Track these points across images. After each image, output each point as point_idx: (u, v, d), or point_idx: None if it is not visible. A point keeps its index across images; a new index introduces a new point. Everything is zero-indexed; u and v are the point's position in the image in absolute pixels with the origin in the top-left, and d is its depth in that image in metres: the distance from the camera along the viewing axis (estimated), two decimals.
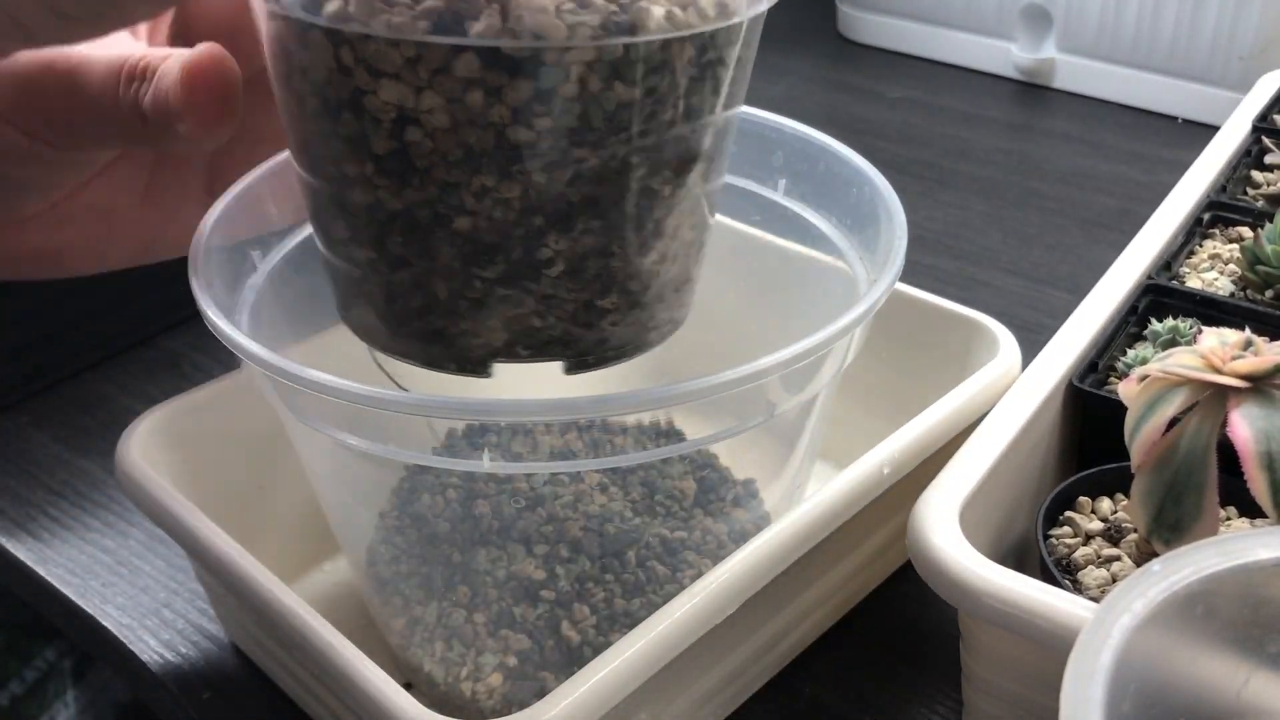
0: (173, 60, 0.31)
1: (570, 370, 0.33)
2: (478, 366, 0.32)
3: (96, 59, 0.32)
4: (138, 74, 0.32)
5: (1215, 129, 0.60)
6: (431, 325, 0.31)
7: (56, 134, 0.33)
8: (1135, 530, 0.37)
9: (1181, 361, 0.34)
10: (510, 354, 0.32)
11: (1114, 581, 0.36)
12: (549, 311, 0.31)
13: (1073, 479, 0.39)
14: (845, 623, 0.44)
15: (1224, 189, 0.55)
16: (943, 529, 0.34)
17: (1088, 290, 0.46)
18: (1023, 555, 0.41)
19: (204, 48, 0.31)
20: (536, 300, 0.30)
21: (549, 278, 0.30)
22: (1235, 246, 0.51)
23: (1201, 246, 0.51)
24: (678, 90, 0.28)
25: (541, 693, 0.32)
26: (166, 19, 0.36)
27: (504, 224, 0.29)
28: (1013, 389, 0.41)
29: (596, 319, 0.32)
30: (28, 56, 0.32)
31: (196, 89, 0.31)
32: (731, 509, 0.42)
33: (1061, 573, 0.36)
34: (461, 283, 0.30)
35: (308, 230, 0.41)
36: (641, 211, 0.30)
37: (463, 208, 0.28)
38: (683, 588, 0.34)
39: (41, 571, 0.48)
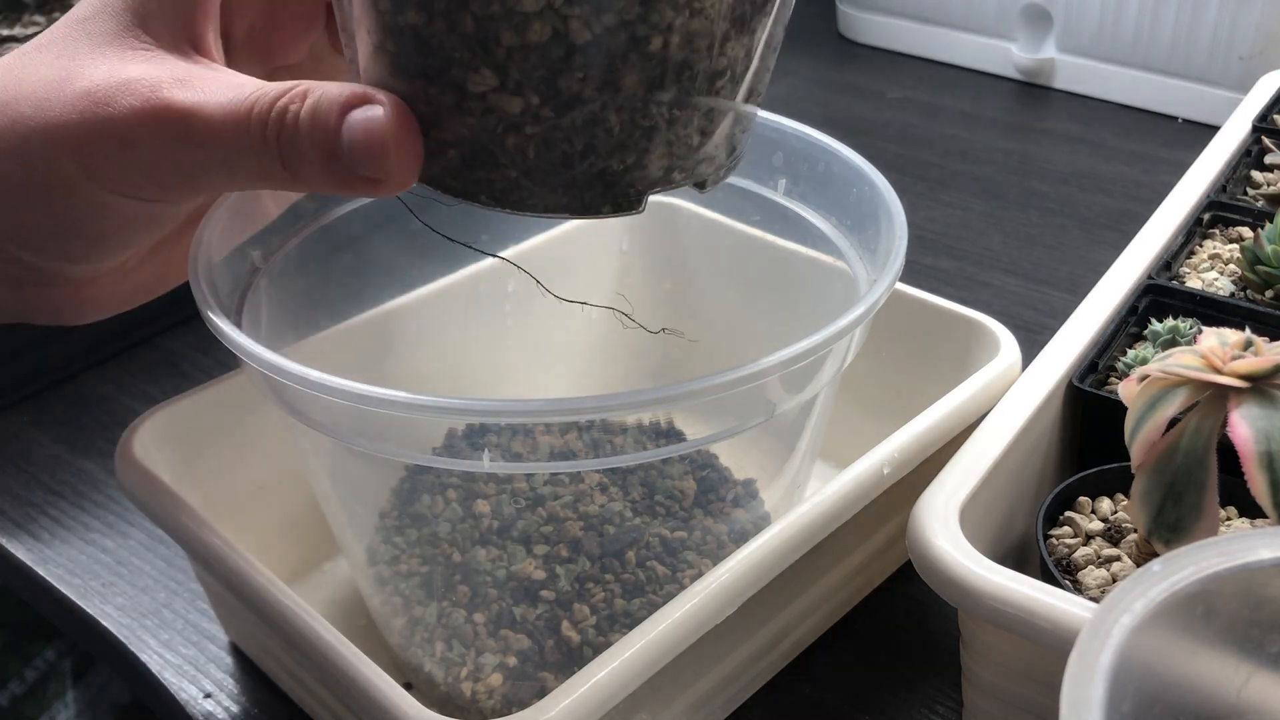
0: (371, 111, 0.28)
1: (708, 188, 0.31)
2: (635, 202, 0.30)
3: (210, 102, 0.29)
4: (273, 114, 0.29)
5: (1215, 129, 0.60)
6: (593, 167, 0.29)
7: (159, 185, 0.31)
8: (1135, 530, 0.37)
9: (1181, 361, 0.34)
10: (668, 181, 0.30)
11: (1114, 581, 0.36)
12: (711, 126, 0.30)
13: (1073, 479, 0.39)
14: (845, 623, 0.44)
15: (1224, 189, 0.55)
16: (943, 529, 0.34)
17: (1088, 290, 0.46)
18: (1023, 555, 0.41)
19: (395, 105, 0.28)
20: (703, 117, 0.29)
21: (721, 89, 0.29)
22: (1235, 246, 0.51)
23: (1201, 246, 0.51)
24: None
25: (541, 693, 0.32)
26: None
27: (696, 36, 0.28)
28: (1013, 389, 0.41)
29: (742, 129, 0.31)
30: (126, 108, 0.29)
31: (403, 154, 0.29)
32: (731, 509, 0.42)
33: (1061, 573, 0.36)
34: (640, 112, 0.28)
35: (308, 230, 0.41)
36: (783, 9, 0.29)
37: (660, 25, 0.27)
38: (683, 588, 0.34)
39: (41, 571, 0.48)
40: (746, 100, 0.31)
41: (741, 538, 0.38)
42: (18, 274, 0.33)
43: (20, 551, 0.49)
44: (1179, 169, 0.56)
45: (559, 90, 0.28)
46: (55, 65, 0.31)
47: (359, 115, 0.28)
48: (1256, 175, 0.57)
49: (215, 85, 0.30)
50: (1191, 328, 0.44)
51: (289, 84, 0.29)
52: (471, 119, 0.29)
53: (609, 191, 0.30)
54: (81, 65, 0.30)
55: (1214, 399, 0.34)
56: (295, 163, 0.29)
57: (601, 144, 0.29)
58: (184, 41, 0.32)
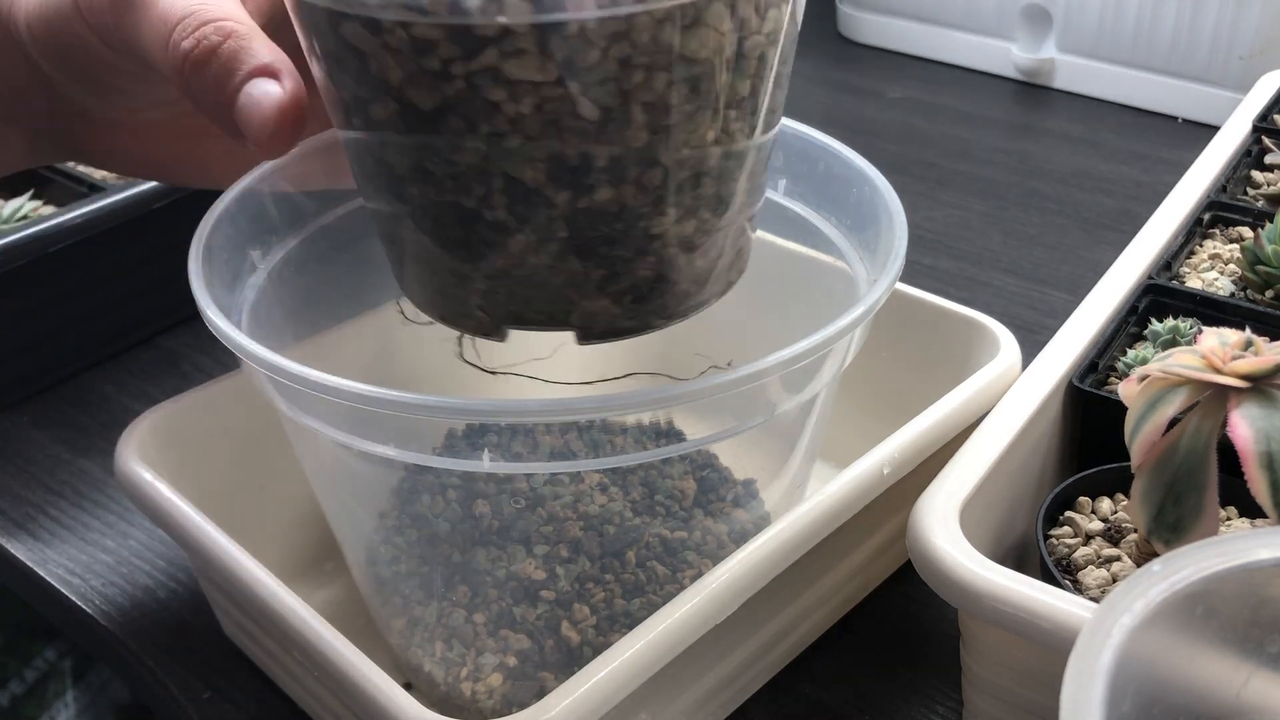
0: (259, 86, 0.32)
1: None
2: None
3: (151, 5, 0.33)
4: (190, 38, 0.32)
5: (1215, 129, 0.60)
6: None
7: (141, 54, 0.34)
8: (1135, 530, 0.37)
9: (1181, 361, 0.34)
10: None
11: (1114, 581, 0.36)
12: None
13: (1073, 479, 0.39)
14: (845, 623, 0.44)
15: (1224, 189, 0.55)
16: (943, 529, 0.34)
17: (1088, 290, 0.46)
18: (1023, 555, 0.41)
19: (293, 91, 0.32)
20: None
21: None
22: (1235, 246, 0.51)
23: (1202, 246, 0.51)
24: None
25: (541, 693, 0.32)
26: None
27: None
28: (1013, 389, 0.41)
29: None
30: None
31: (280, 135, 0.32)
32: (731, 509, 0.42)
33: (1061, 573, 0.36)
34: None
35: (308, 230, 0.41)
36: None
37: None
38: (683, 588, 0.34)
39: (41, 571, 0.48)
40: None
41: (741, 538, 0.38)
42: (57, 105, 0.39)
43: (20, 551, 0.49)
44: (1179, 169, 0.56)
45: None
46: None
47: (262, 86, 0.32)
48: (1257, 175, 0.57)
49: None
50: (1191, 328, 0.44)
51: (223, 15, 0.32)
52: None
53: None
54: None
55: (1214, 399, 0.34)
56: (192, 85, 0.32)
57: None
58: None
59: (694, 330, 0.54)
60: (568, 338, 0.32)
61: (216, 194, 0.38)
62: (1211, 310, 0.45)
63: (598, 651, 0.33)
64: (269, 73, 0.32)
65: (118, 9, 0.33)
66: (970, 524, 0.35)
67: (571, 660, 0.37)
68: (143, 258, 0.59)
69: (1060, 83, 0.88)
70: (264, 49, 0.32)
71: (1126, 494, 0.37)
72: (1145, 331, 0.45)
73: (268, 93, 0.32)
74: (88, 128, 0.40)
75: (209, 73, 0.32)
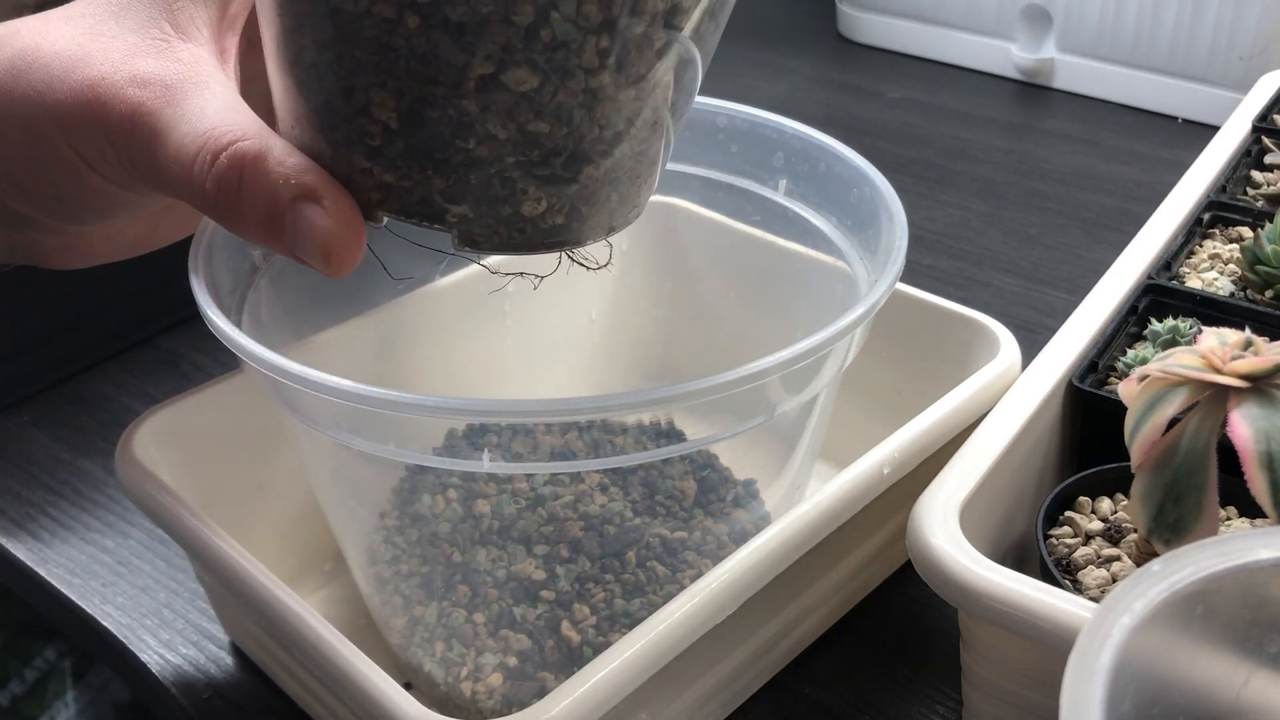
0: (316, 214, 0.29)
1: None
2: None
3: (177, 129, 0.30)
4: (213, 171, 0.29)
5: (1215, 129, 0.60)
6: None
7: (142, 183, 0.32)
8: (1135, 530, 0.37)
9: (1181, 361, 0.34)
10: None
11: (1114, 581, 0.36)
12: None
13: (1073, 479, 0.39)
14: (845, 623, 0.44)
15: (1224, 189, 0.55)
16: (943, 529, 0.34)
17: (1088, 290, 0.46)
18: (1023, 555, 0.41)
19: (336, 208, 0.29)
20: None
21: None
22: (1235, 246, 0.51)
23: (1201, 246, 0.51)
24: None
25: (541, 693, 0.32)
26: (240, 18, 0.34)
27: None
28: (1013, 389, 0.41)
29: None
30: (118, 112, 0.30)
31: (347, 256, 0.29)
32: (731, 509, 0.42)
33: (1061, 573, 0.36)
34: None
35: None
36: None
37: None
38: (683, 588, 0.34)
39: (41, 571, 0.48)
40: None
41: (742, 538, 0.38)
42: (15, 221, 0.35)
43: (20, 551, 0.49)
44: (1179, 169, 0.56)
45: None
46: (74, 42, 0.32)
47: (305, 214, 0.29)
48: (1256, 175, 0.57)
49: (195, 104, 0.30)
50: (1191, 328, 0.44)
51: (234, 135, 0.29)
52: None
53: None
54: (98, 49, 0.31)
55: (1214, 399, 0.34)
56: (232, 223, 0.30)
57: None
58: (203, 32, 0.32)
59: (694, 330, 0.54)
60: None
61: None
62: (1211, 310, 0.45)
63: (598, 651, 0.33)
64: (304, 195, 0.29)
65: (135, 147, 0.30)
66: (970, 524, 0.35)
67: (571, 660, 0.37)
68: (143, 258, 0.59)
69: (1060, 83, 0.88)
70: (285, 162, 0.29)
71: (1126, 494, 0.37)
72: (1145, 331, 0.45)
73: (313, 222, 0.29)
74: (43, 236, 0.37)
75: (243, 210, 0.29)
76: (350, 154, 0.29)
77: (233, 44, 0.33)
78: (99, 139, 0.31)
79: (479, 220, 0.29)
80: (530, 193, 0.29)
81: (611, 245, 0.35)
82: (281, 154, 0.29)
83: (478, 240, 0.30)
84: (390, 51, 0.27)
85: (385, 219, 0.30)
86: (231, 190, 0.29)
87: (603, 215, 0.31)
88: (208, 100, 0.30)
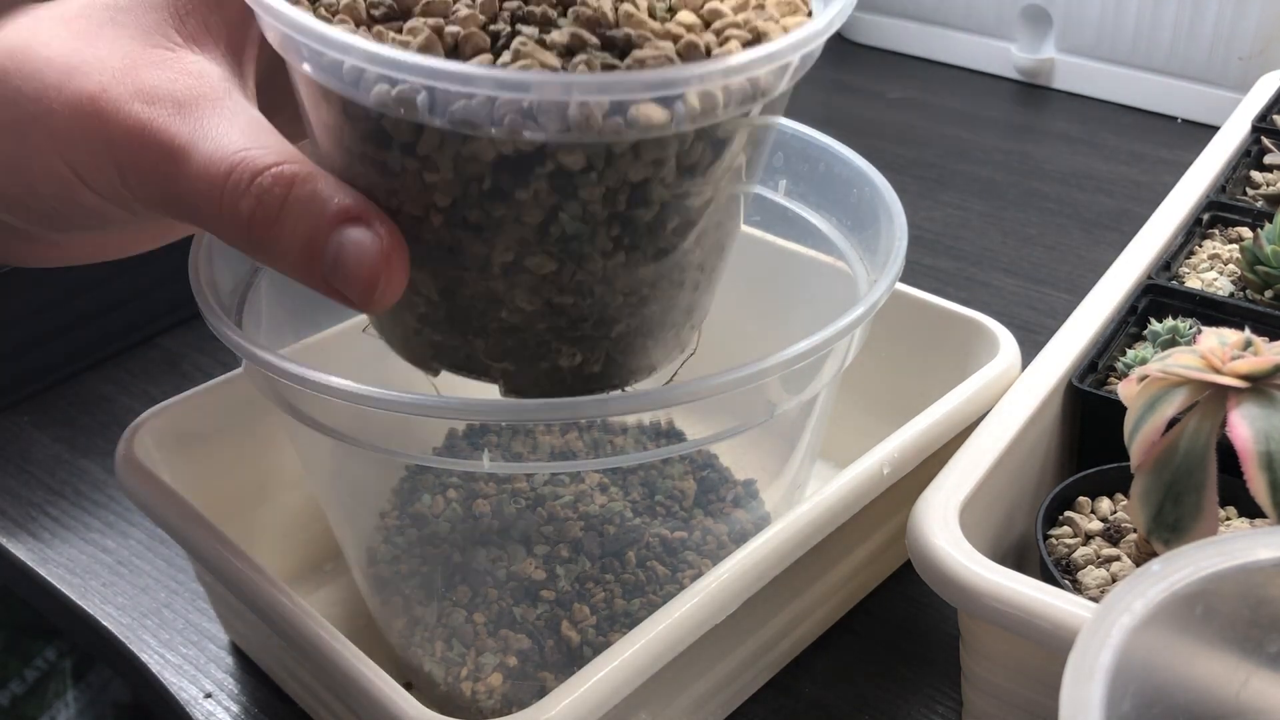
0: (355, 247, 0.27)
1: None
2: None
3: (198, 148, 0.27)
4: (251, 190, 0.27)
5: (1215, 129, 0.60)
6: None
7: (142, 203, 0.29)
8: (1135, 530, 0.37)
9: (1181, 361, 0.34)
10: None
11: (1113, 581, 0.36)
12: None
13: (1072, 479, 0.39)
14: (845, 623, 0.44)
15: (1223, 189, 0.55)
16: (943, 529, 0.34)
17: (1087, 290, 0.46)
18: (1022, 555, 0.41)
19: (389, 234, 0.27)
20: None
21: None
22: (1235, 246, 0.51)
23: (1201, 247, 0.51)
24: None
25: (541, 693, 0.32)
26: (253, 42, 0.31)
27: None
28: (1013, 389, 0.41)
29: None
30: (121, 127, 0.28)
31: (391, 288, 0.27)
32: (731, 509, 0.42)
33: (1061, 573, 0.36)
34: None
35: None
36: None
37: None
38: (683, 588, 0.34)
39: (42, 571, 0.48)
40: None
41: (741, 538, 0.38)
42: None
43: (20, 551, 0.49)
44: (1179, 169, 0.56)
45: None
46: (71, 46, 0.29)
47: (353, 236, 0.27)
48: (1256, 175, 0.57)
49: (214, 123, 0.28)
50: (1191, 328, 0.44)
51: (275, 157, 0.27)
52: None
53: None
54: (94, 57, 0.28)
55: (1213, 399, 0.34)
56: (265, 248, 0.27)
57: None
58: (218, 45, 0.30)
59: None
60: None
61: None
62: (1211, 310, 0.45)
63: (598, 651, 0.33)
64: (355, 218, 0.27)
65: (144, 168, 0.28)
66: (970, 524, 0.35)
67: (571, 660, 0.37)
68: (143, 258, 0.58)
69: (1060, 83, 0.88)
70: (334, 188, 0.27)
71: (1126, 494, 0.37)
72: (1145, 331, 0.45)
73: (362, 245, 0.26)
74: (17, 242, 0.34)
75: (283, 234, 0.27)
76: (404, 315, 0.31)
77: (252, 58, 0.31)
78: (99, 157, 0.28)
79: (521, 374, 0.31)
80: (564, 350, 0.30)
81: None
82: (332, 181, 0.27)
83: (523, 390, 0.31)
84: (421, 243, 0.28)
85: (440, 369, 0.32)
86: (273, 212, 0.27)
87: (641, 360, 0.32)
88: (230, 120, 0.28)
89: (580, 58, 0.26)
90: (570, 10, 0.27)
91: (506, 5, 0.27)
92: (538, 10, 0.27)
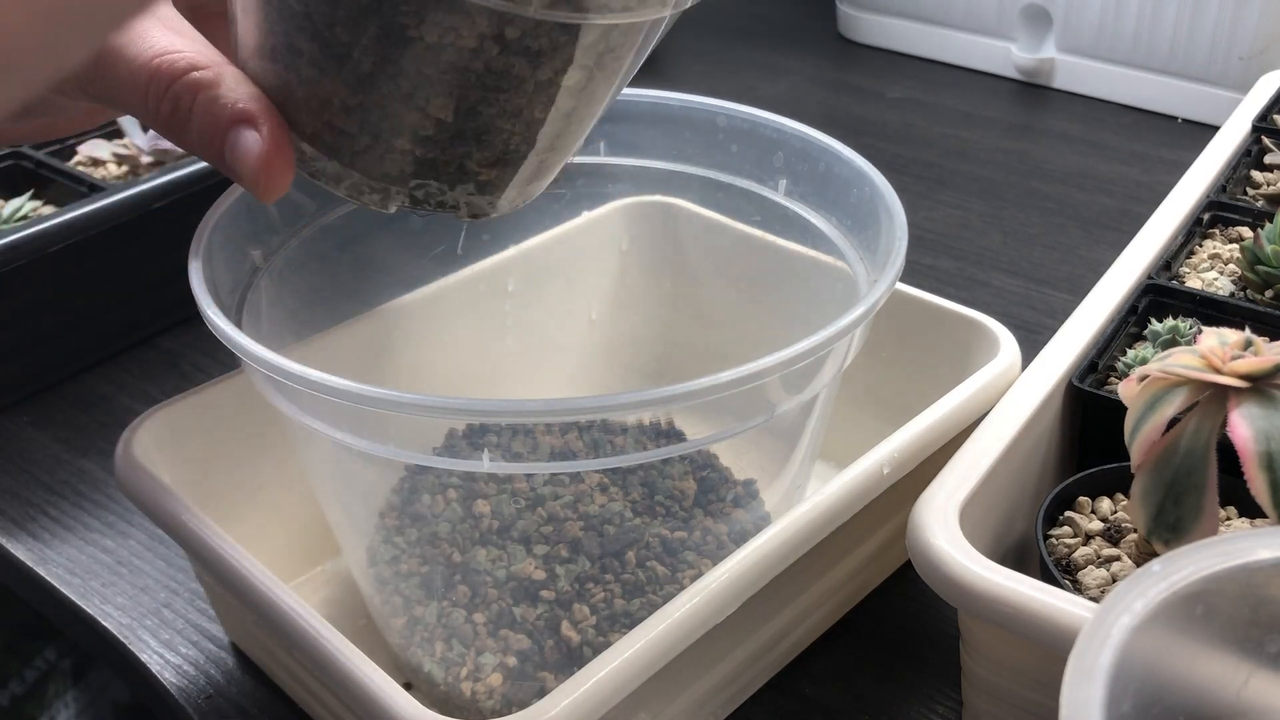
0: (246, 136, 0.32)
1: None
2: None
3: (125, 52, 0.32)
4: (166, 97, 0.32)
5: (1215, 129, 0.60)
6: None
7: (92, 98, 0.33)
8: (1135, 530, 0.37)
9: (1181, 361, 0.34)
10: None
11: (1114, 581, 0.36)
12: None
13: (1072, 479, 0.39)
14: (845, 623, 0.44)
15: (1224, 189, 0.55)
16: (943, 529, 0.34)
17: (1088, 290, 0.46)
18: (1023, 555, 0.41)
19: (271, 135, 0.32)
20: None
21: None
22: (1235, 246, 0.51)
23: (1201, 246, 0.51)
24: None
25: (541, 693, 0.32)
26: None
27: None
28: (1013, 389, 0.41)
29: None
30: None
31: (273, 182, 0.32)
32: (731, 509, 0.42)
33: (1061, 573, 0.36)
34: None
35: (308, 230, 0.41)
36: None
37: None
38: (683, 588, 0.34)
39: (41, 571, 0.48)
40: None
41: (741, 538, 0.38)
42: None
43: (20, 551, 0.49)
44: (1179, 169, 0.56)
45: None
46: None
47: (243, 137, 0.32)
48: (1256, 175, 0.57)
49: (141, 29, 0.32)
50: (1191, 328, 0.44)
51: (187, 62, 0.32)
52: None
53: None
54: None
55: (1214, 399, 0.34)
56: (182, 141, 0.32)
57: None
58: None
59: (694, 330, 0.54)
60: None
61: (217, 194, 0.38)
62: (1211, 310, 0.45)
63: (598, 651, 0.33)
64: (245, 119, 0.32)
65: (95, 69, 0.32)
66: (970, 524, 0.35)
67: (571, 660, 0.37)
68: (143, 258, 0.59)
69: (1060, 83, 0.88)
70: (236, 90, 0.32)
71: (1126, 494, 0.37)
72: (1145, 331, 0.45)
73: (249, 146, 0.32)
74: None
75: (192, 134, 0.32)
76: (395, 140, 0.32)
77: None
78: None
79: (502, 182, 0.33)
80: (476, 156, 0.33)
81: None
82: (233, 82, 0.32)
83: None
84: (467, 72, 0.30)
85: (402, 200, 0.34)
86: (184, 115, 0.32)
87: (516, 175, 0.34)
88: (151, 23, 0.32)
89: None
90: None
91: None
92: None
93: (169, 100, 0.32)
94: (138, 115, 0.33)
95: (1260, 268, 0.47)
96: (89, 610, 0.46)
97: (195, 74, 0.32)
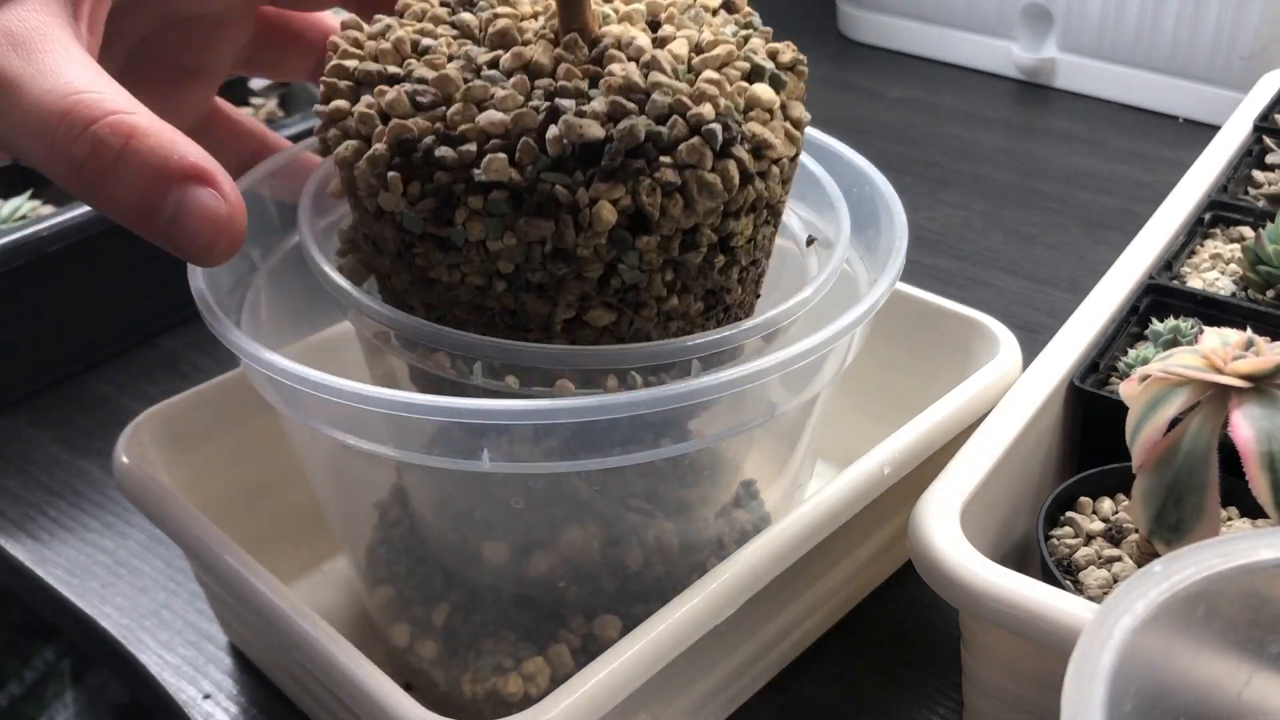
0: (199, 197, 0.27)
1: None
2: None
3: (31, 85, 0.27)
4: (84, 136, 0.26)
5: (1216, 128, 0.60)
6: None
7: None
8: (1136, 531, 0.37)
9: (1183, 361, 0.34)
10: None
11: (1115, 582, 0.36)
12: None
13: (1073, 479, 0.39)
14: (845, 623, 0.43)
15: (1225, 189, 0.55)
16: (943, 529, 0.34)
17: (1088, 290, 0.46)
18: (1023, 556, 0.40)
19: (233, 197, 0.27)
20: None
21: None
22: (1236, 246, 0.51)
23: (1203, 246, 0.51)
24: None
25: (542, 693, 0.32)
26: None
27: None
28: (1013, 389, 0.41)
29: None
30: None
31: (227, 251, 0.28)
32: (731, 509, 0.42)
33: (1062, 573, 0.36)
34: None
35: None
36: None
37: None
38: (683, 588, 0.34)
39: (41, 572, 0.48)
40: None
41: (741, 538, 0.38)
42: None
43: (20, 551, 0.49)
44: (1180, 168, 0.56)
45: None
46: None
47: (197, 195, 0.27)
48: (1258, 175, 0.57)
49: (50, 63, 0.27)
50: (1193, 328, 0.44)
51: (113, 105, 0.27)
52: None
53: None
54: None
55: (1215, 399, 0.34)
56: (97, 194, 0.27)
57: None
58: None
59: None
60: None
61: None
62: (1212, 310, 0.45)
63: (598, 652, 0.32)
64: (198, 175, 0.27)
65: None
66: (970, 524, 0.35)
67: (571, 660, 0.37)
68: (143, 258, 0.58)
69: (1061, 82, 0.88)
70: (177, 141, 0.27)
71: (1127, 494, 0.37)
72: (1146, 331, 0.45)
73: (207, 205, 0.27)
74: None
75: (117, 184, 0.26)
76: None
77: (92, 10, 0.30)
78: None
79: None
80: None
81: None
82: (171, 133, 0.27)
83: None
84: (484, 310, 0.31)
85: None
86: (108, 161, 0.26)
87: None
88: (63, 59, 0.27)
89: (624, 124, 0.28)
90: (601, 82, 0.29)
91: (539, 84, 0.29)
92: (570, 85, 0.29)
93: (85, 143, 0.26)
94: (35, 161, 0.27)
95: (1262, 267, 0.46)
96: (88, 611, 0.46)
97: (124, 116, 0.26)
